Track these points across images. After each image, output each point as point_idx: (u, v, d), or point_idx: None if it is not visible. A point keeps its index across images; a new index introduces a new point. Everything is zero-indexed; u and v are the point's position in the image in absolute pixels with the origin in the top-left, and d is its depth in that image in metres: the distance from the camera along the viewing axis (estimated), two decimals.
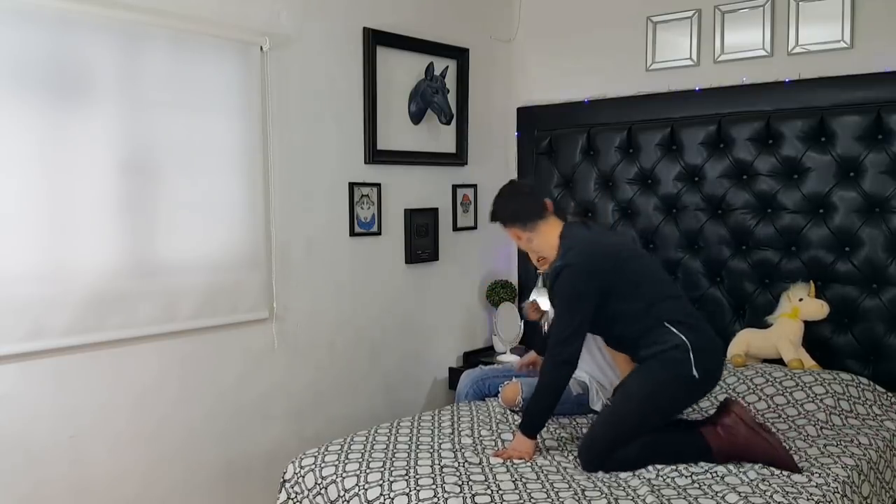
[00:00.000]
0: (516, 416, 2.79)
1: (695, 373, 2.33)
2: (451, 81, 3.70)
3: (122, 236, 2.59)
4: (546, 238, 2.55)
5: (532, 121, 3.94)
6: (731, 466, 2.26)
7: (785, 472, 2.23)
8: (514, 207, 2.60)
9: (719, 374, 2.48)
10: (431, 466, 2.34)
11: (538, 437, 2.49)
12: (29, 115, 2.36)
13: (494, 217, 2.67)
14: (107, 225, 2.55)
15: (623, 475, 2.27)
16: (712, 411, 2.73)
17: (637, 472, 2.28)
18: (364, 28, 3.32)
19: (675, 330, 2.37)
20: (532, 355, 3.09)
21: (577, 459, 2.38)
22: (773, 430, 2.53)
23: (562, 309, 2.44)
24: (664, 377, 2.37)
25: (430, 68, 3.51)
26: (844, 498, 2.16)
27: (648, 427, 2.37)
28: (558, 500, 2.10)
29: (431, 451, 2.47)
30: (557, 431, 2.66)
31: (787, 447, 2.37)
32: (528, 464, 2.37)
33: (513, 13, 4.04)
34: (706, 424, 2.37)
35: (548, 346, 2.46)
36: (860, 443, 2.50)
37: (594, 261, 2.43)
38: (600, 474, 2.29)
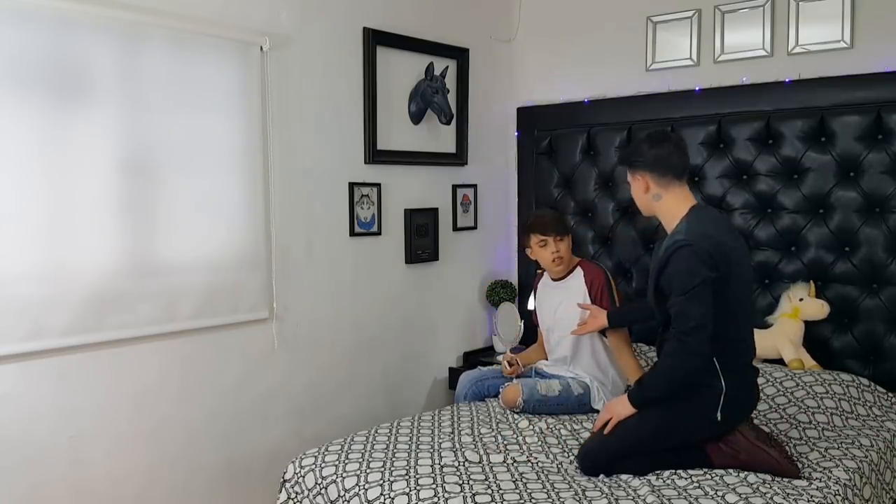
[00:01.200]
0: (516, 416, 2.79)
1: (718, 417, 2.27)
2: (451, 81, 3.70)
3: (122, 236, 2.59)
4: (672, 206, 2.36)
5: (532, 121, 3.94)
6: (731, 469, 2.26)
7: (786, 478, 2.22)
8: (658, 153, 2.38)
9: (745, 419, 2.39)
10: (432, 466, 2.34)
11: (545, 426, 2.50)
12: (29, 115, 2.36)
13: (627, 159, 2.47)
14: (107, 225, 2.55)
15: (624, 476, 2.27)
16: None
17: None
18: (364, 28, 3.32)
19: (719, 369, 2.26)
20: (509, 355, 3.15)
21: (577, 461, 2.38)
22: (776, 435, 2.51)
23: (682, 292, 2.22)
24: (686, 412, 2.30)
25: (430, 68, 3.51)
26: (846, 501, 2.16)
27: (657, 445, 2.34)
28: (559, 499, 2.10)
29: (432, 450, 2.47)
30: (558, 429, 2.66)
31: (791, 453, 2.35)
32: (529, 464, 2.37)
33: (513, 13, 4.04)
34: (709, 439, 2.33)
35: (672, 328, 2.27)
36: (861, 444, 2.50)
37: (719, 253, 2.22)
38: (601, 475, 2.29)
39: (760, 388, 2.83)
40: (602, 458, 2.32)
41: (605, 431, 2.35)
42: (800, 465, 2.32)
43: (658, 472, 2.28)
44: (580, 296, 2.97)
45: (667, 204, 2.38)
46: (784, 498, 2.07)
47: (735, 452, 2.28)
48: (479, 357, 3.82)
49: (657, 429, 2.32)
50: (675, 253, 2.24)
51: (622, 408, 2.35)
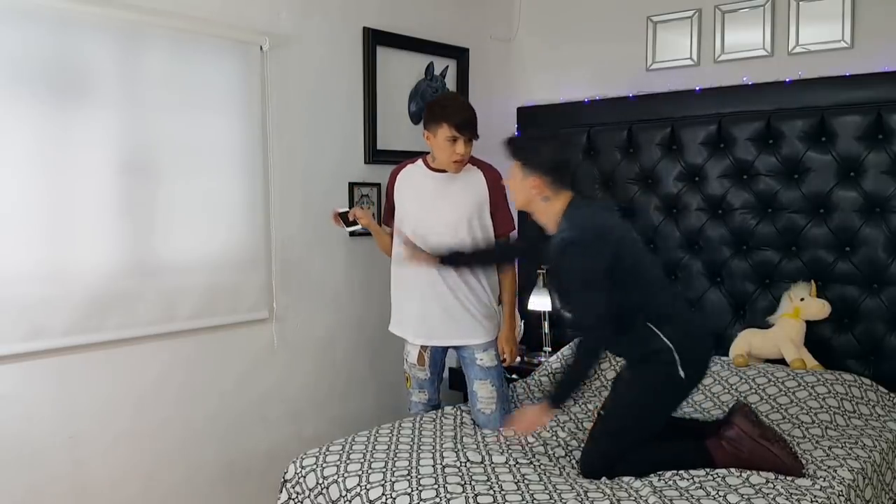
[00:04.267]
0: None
1: (682, 374, 2.31)
2: (451, 81, 3.70)
3: (123, 236, 2.58)
4: (557, 206, 2.39)
5: (532, 121, 3.93)
6: (733, 470, 2.26)
7: (789, 476, 2.22)
8: (560, 160, 2.39)
9: (707, 364, 2.45)
10: (433, 466, 2.34)
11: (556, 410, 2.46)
12: (29, 115, 2.36)
13: (524, 156, 2.41)
14: (107, 225, 2.54)
15: (626, 478, 2.26)
16: (710, 407, 2.74)
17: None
18: (364, 28, 3.32)
19: (659, 333, 2.32)
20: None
21: (578, 464, 2.38)
22: (779, 431, 2.51)
23: (578, 291, 2.32)
24: (653, 382, 2.35)
25: (430, 68, 3.51)
26: (848, 502, 2.16)
27: (647, 433, 2.36)
28: (561, 500, 2.10)
29: (434, 451, 2.47)
30: (555, 430, 2.66)
31: (794, 450, 2.35)
32: (532, 465, 2.37)
33: (513, 13, 4.03)
34: (711, 436, 2.34)
35: (572, 323, 2.40)
36: (864, 444, 2.49)
37: (602, 238, 2.30)
38: (603, 478, 2.29)
39: (763, 387, 2.85)
40: (600, 461, 2.33)
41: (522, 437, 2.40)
42: (804, 462, 2.31)
43: (660, 472, 2.27)
44: (479, 196, 2.77)
45: (553, 206, 2.39)
46: (787, 498, 2.06)
47: (738, 451, 2.28)
48: None
49: (636, 413, 2.36)
50: (566, 251, 2.30)
51: (541, 412, 2.34)
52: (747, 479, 2.19)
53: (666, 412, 2.43)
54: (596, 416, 2.50)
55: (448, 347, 2.89)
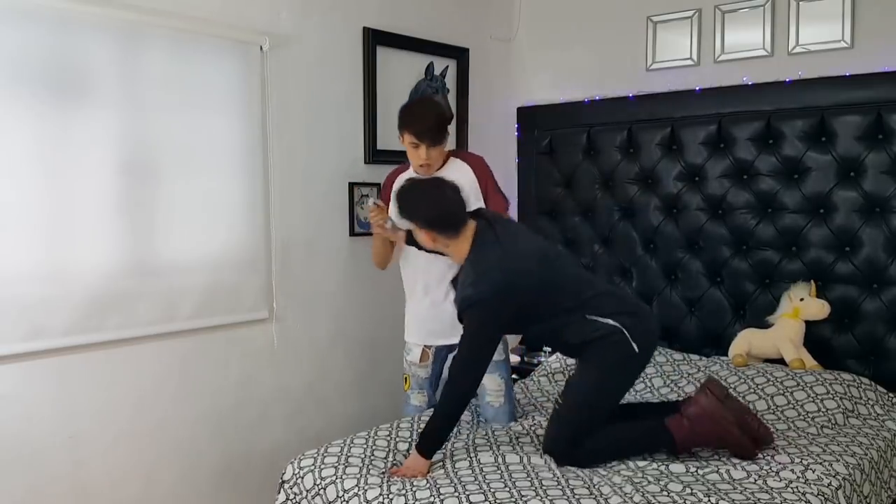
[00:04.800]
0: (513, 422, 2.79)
1: (635, 347, 2.35)
2: (451, 81, 3.70)
3: (122, 236, 2.59)
4: (461, 245, 2.43)
5: (532, 120, 3.93)
6: (722, 472, 2.26)
7: (775, 469, 2.25)
8: (436, 215, 2.43)
9: (656, 337, 2.50)
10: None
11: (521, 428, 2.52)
12: (28, 115, 2.36)
13: (409, 215, 2.47)
14: (107, 225, 2.55)
15: (604, 470, 2.27)
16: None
17: (619, 470, 2.30)
18: (364, 28, 3.32)
19: (602, 319, 2.37)
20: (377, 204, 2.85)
21: (544, 454, 2.40)
22: (746, 405, 2.54)
23: (467, 340, 2.38)
24: (608, 361, 2.39)
25: (430, 68, 3.51)
26: (845, 496, 2.17)
27: (606, 410, 2.41)
28: (547, 497, 2.09)
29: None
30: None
31: (760, 427, 2.39)
32: (521, 464, 2.35)
33: (513, 13, 4.03)
34: (674, 414, 2.39)
35: (450, 373, 2.45)
36: (861, 442, 2.50)
37: (507, 288, 2.33)
38: (590, 474, 2.28)
39: (762, 387, 2.85)
40: (562, 445, 2.36)
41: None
42: (774, 438, 2.40)
43: (654, 479, 2.24)
44: (470, 186, 2.73)
45: (456, 245, 2.44)
46: (768, 492, 2.07)
47: (697, 429, 2.32)
48: None
49: (592, 388, 2.41)
50: (465, 311, 2.36)
51: (413, 461, 2.34)
52: (728, 472, 2.23)
53: (625, 388, 2.49)
54: (556, 402, 2.54)
55: (453, 346, 2.89)
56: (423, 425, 2.70)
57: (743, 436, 2.32)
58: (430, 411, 2.81)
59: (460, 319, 2.41)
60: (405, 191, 2.52)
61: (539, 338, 2.61)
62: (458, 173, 2.77)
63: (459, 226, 2.42)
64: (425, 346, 2.87)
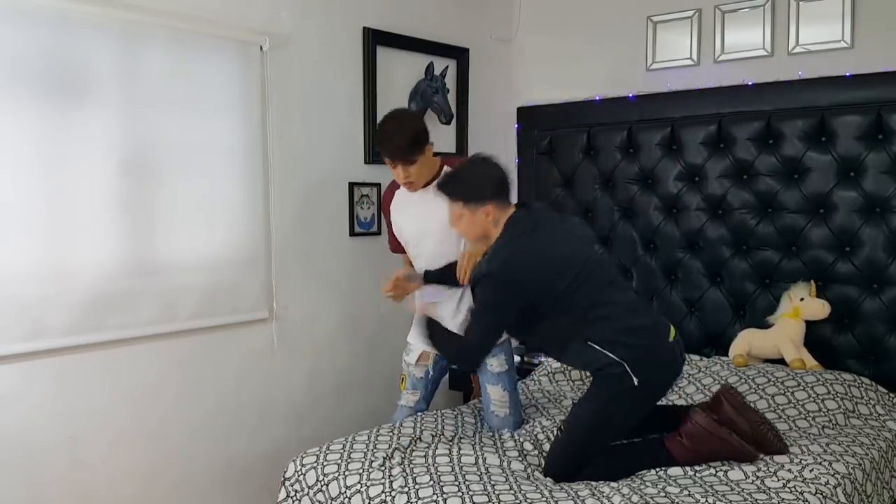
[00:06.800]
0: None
1: (635, 381, 2.29)
2: (451, 81, 3.70)
3: (122, 236, 2.59)
4: (501, 223, 2.42)
5: (532, 120, 3.93)
6: (719, 474, 2.26)
7: (773, 468, 2.24)
8: (499, 179, 2.46)
9: (667, 370, 2.43)
10: (427, 467, 2.34)
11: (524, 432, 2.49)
12: (29, 115, 2.36)
13: (466, 196, 2.44)
14: (107, 225, 2.55)
15: (606, 489, 2.23)
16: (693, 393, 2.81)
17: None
18: (364, 28, 3.32)
19: (602, 350, 2.32)
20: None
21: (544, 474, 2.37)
22: (761, 414, 2.52)
23: (476, 316, 2.42)
24: (608, 394, 2.35)
25: (430, 68, 3.51)
26: (846, 495, 2.17)
27: (608, 439, 2.38)
28: (552, 499, 2.09)
29: (429, 451, 2.47)
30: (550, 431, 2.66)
31: (769, 434, 2.38)
32: (525, 471, 2.37)
33: (513, 13, 4.03)
34: (672, 435, 2.37)
35: (460, 344, 2.49)
36: (862, 442, 2.50)
37: (517, 274, 2.32)
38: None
39: (762, 387, 2.84)
40: (563, 469, 2.33)
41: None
42: (787, 444, 2.38)
43: (652, 483, 2.24)
44: None
45: (499, 224, 2.44)
46: (765, 492, 2.07)
47: (696, 447, 2.31)
48: None
49: (595, 425, 2.37)
50: (479, 284, 2.38)
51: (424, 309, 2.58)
52: (725, 473, 2.23)
53: (628, 420, 2.40)
54: (559, 426, 2.53)
55: None
56: (423, 425, 2.71)
57: (743, 443, 2.30)
58: (423, 414, 2.83)
59: (473, 293, 2.44)
60: (454, 174, 2.53)
61: (539, 348, 2.60)
62: None
63: (508, 195, 2.47)
64: (425, 350, 2.87)
